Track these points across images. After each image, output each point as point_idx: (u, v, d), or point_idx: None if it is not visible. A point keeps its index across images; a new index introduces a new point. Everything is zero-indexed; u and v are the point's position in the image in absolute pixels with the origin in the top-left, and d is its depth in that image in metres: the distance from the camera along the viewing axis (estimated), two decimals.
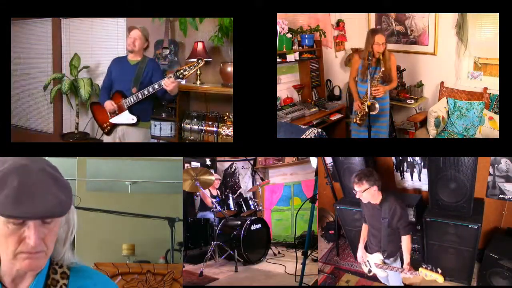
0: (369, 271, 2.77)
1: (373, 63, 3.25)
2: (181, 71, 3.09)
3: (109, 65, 3.47)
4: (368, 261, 2.75)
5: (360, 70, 3.34)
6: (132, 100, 3.22)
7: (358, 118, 3.35)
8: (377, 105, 3.26)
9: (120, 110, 3.30)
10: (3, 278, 1.10)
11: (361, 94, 3.38)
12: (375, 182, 2.55)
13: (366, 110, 3.27)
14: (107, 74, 3.45)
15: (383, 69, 3.24)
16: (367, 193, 2.56)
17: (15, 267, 1.08)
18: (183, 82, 3.91)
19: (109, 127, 3.39)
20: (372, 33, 3.29)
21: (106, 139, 3.46)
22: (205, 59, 3.78)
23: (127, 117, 3.29)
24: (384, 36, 3.25)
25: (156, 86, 3.13)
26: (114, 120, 3.33)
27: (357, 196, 2.61)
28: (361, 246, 2.79)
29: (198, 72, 3.77)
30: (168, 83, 3.07)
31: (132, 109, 3.27)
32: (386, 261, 2.64)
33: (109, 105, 3.30)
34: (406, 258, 2.55)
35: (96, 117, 3.49)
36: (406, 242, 2.56)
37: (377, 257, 2.67)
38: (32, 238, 1.04)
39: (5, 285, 1.11)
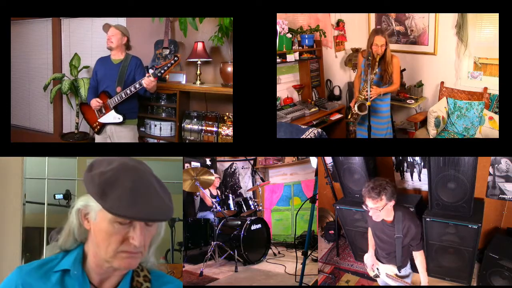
0: (376, 276, 2.60)
1: (373, 63, 3.24)
2: (159, 69, 3.15)
3: (94, 65, 3.51)
4: (378, 268, 2.57)
5: (363, 68, 3.33)
6: (116, 100, 3.28)
7: (349, 115, 3.37)
8: (366, 104, 3.24)
9: (106, 109, 3.33)
10: (90, 275, 1.12)
11: None
12: (392, 196, 2.19)
13: (355, 109, 3.27)
14: (92, 75, 3.50)
15: (375, 71, 3.23)
16: (384, 211, 2.20)
17: (111, 264, 1.08)
18: (183, 81, 3.92)
19: (98, 127, 3.43)
20: (373, 33, 3.27)
21: (97, 138, 3.50)
22: (205, 59, 3.80)
23: (113, 117, 3.33)
24: (384, 37, 3.19)
25: (137, 85, 3.19)
26: (102, 120, 3.38)
27: (370, 214, 2.24)
28: (371, 253, 2.57)
29: (198, 72, 3.78)
30: (148, 82, 3.13)
31: (118, 108, 3.31)
32: (399, 274, 2.46)
33: (94, 102, 3.34)
34: (424, 277, 2.35)
35: (86, 117, 3.53)
36: (420, 258, 2.36)
37: (391, 270, 2.48)
38: (137, 239, 1.06)
39: (93, 283, 1.12)
